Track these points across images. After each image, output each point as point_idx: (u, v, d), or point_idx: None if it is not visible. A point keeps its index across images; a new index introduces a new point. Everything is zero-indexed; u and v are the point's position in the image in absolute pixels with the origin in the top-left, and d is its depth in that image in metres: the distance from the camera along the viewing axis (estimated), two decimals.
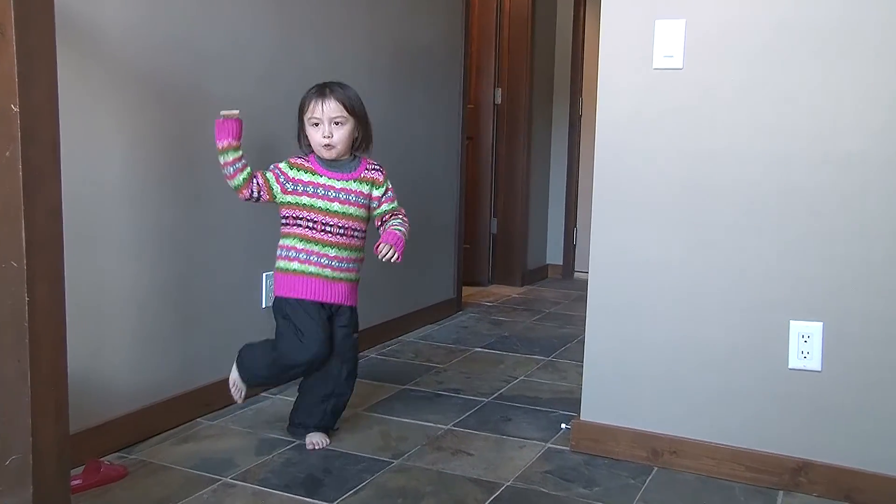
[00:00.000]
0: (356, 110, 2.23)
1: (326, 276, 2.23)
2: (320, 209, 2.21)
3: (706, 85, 2.11)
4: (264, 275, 2.69)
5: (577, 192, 5.43)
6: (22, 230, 1.35)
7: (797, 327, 2.05)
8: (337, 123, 2.20)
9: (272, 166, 2.24)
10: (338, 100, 2.20)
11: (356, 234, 2.26)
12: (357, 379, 2.37)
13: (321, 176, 2.22)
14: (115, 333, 2.20)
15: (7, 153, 1.34)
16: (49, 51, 1.40)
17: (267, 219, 2.51)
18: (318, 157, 2.24)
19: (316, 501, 1.95)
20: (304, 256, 2.21)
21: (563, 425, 2.48)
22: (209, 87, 2.42)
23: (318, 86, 2.23)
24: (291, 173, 2.22)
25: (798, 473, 2.06)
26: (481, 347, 3.48)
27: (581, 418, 2.32)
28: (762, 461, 2.10)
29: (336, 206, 2.22)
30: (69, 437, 1.48)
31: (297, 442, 2.29)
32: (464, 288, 4.36)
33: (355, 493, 2.00)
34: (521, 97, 4.94)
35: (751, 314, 2.10)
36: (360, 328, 2.39)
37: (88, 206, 2.09)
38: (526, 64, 4.92)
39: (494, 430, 2.46)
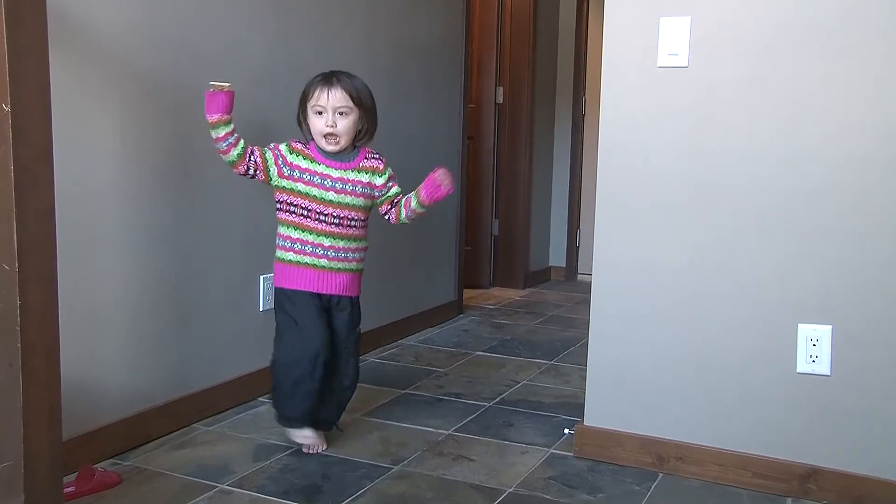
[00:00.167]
0: (363, 101, 2.20)
1: (323, 267, 2.20)
2: (315, 197, 2.18)
3: (712, 83, 2.08)
4: (261, 277, 2.66)
5: (580, 192, 5.39)
6: (14, 232, 1.35)
7: (805, 330, 2.02)
8: (341, 114, 2.17)
9: (272, 145, 2.21)
10: (344, 89, 2.17)
11: (353, 223, 2.23)
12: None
13: (319, 164, 2.20)
14: (109, 337, 2.17)
15: None
16: (41, 50, 1.39)
17: (265, 220, 2.48)
18: (318, 146, 2.21)
19: None
20: (300, 246, 2.19)
21: (566, 430, 2.45)
22: (205, 87, 2.39)
23: (324, 74, 2.20)
24: (290, 157, 2.20)
25: (807, 480, 2.03)
26: (483, 351, 3.45)
27: (584, 423, 2.29)
28: (770, 467, 2.07)
29: (331, 195, 2.19)
30: (62, 443, 1.48)
31: (296, 448, 2.25)
32: (465, 290, 4.33)
33: (354, 499, 1.97)
34: (523, 96, 4.91)
35: (758, 317, 2.07)
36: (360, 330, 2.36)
37: (82, 207, 2.06)
38: (528, 62, 4.88)
39: (496, 436, 2.43)
